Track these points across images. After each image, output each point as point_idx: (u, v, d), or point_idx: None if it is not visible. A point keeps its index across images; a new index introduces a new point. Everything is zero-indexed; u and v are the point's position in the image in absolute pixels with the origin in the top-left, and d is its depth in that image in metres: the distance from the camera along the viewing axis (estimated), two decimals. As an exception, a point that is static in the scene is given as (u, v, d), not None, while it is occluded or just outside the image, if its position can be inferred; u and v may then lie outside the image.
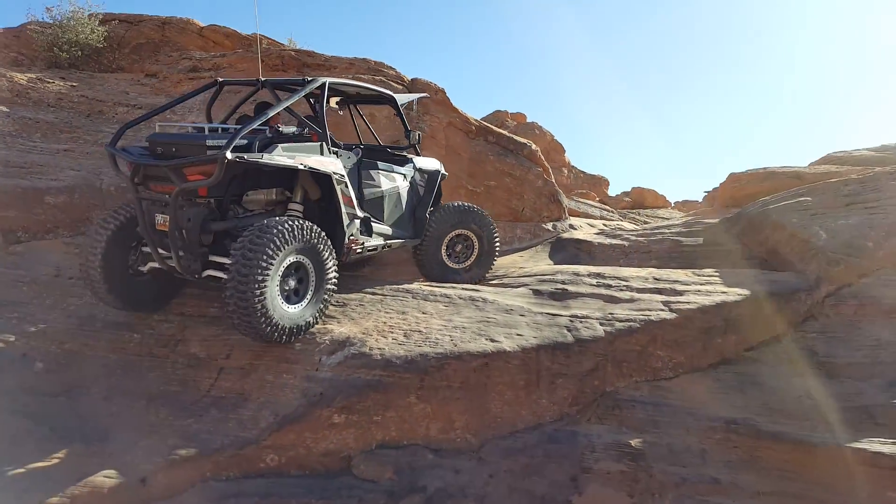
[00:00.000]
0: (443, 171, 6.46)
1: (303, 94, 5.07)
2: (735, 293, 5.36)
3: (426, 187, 6.20)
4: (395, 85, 8.16)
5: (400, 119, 6.21)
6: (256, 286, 4.16)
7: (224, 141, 4.34)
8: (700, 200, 25.03)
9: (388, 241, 5.74)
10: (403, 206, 5.96)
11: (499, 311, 5.29)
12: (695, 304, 5.25)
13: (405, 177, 6.02)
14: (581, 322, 5.09)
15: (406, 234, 5.97)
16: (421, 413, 4.52)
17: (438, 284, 5.94)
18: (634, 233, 8.04)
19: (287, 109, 4.95)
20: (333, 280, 4.81)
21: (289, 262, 4.43)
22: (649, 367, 5.03)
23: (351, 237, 5.21)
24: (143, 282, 5.03)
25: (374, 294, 5.60)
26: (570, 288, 5.71)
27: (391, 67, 8.44)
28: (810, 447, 3.99)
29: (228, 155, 4.20)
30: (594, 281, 5.82)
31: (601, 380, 4.92)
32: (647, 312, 5.20)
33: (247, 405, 4.38)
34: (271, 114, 4.84)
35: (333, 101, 6.15)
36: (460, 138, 8.07)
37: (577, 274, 6.05)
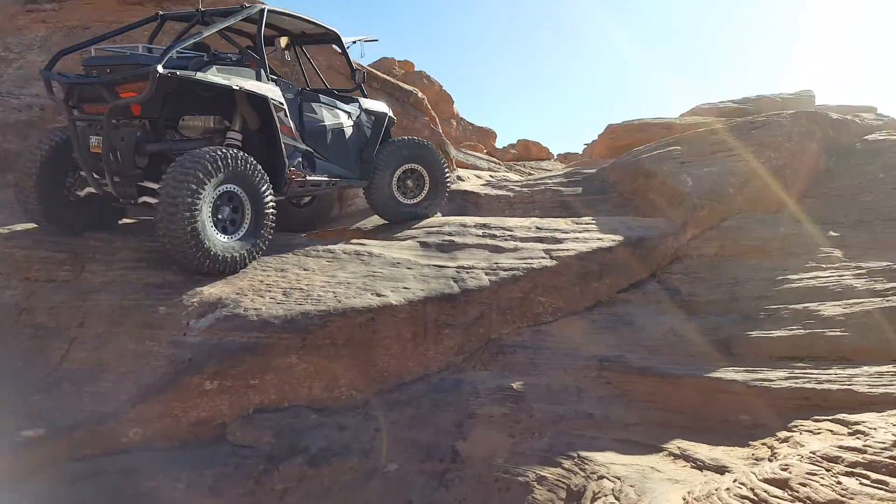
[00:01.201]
0: (391, 114, 6.35)
1: (238, 18, 4.98)
2: (609, 239, 5.59)
3: (373, 129, 6.10)
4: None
5: (345, 58, 6.11)
6: (186, 210, 4.17)
7: (159, 56, 4.31)
8: (580, 153, 25.98)
9: (332, 179, 5.66)
10: (348, 145, 5.85)
11: (385, 265, 5.20)
12: (573, 251, 5.42)
13: (350, 115, 5.91)
14: (467, 273, 5.11)
15: (352, 174, 5.89)
16: (303, 373, 4.37)
17: (320, 242, 5.74)
18: (519, 184, 8.18)
19: (224, 36, 5.06)
20: (271, 213, 4.82)
21: (221, 191, 4.45)
22: (531, 313, 5.17)
23: (292, 169, 5.14)
24: (79, 206, 4.97)
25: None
26: (457, 239, 5.71)
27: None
28: (674, 379, 4.26)
29: (160, 69, 4.14)
30: (480, 232, 5.86)
31: (486, 328, 5.00)
32: (530, 261, 5.30)
33: (105, 377, 4.03)
34: (206, 34, 4.76)
35: (283, 41, 5.89)
36: (342, 82, 7.74)
37: (463, 225, 6.06)
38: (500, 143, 22.26)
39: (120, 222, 5.47)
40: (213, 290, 4.58)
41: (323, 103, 5.65)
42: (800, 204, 6.18)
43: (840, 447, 2.55)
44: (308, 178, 5.36)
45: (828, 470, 2.44)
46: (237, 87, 4.66)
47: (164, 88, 4.38)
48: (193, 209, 4.21)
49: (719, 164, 6.22)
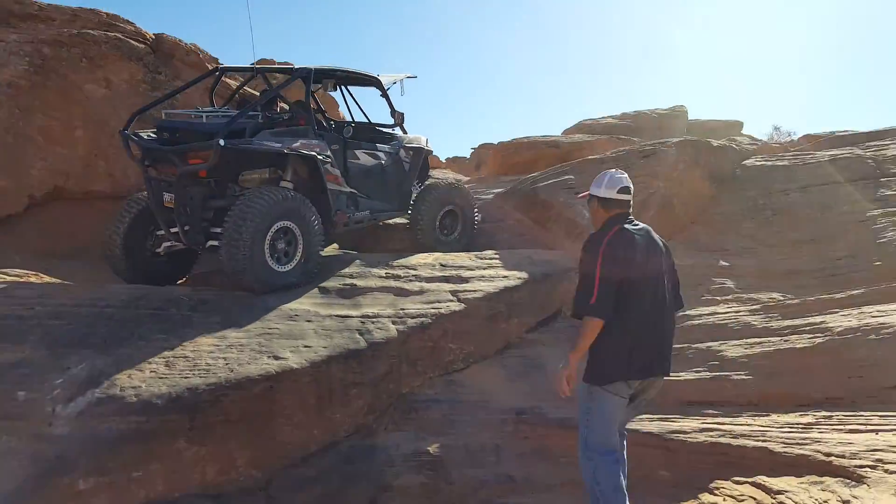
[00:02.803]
0: (428, 147, 6.95)
1: (290, 83, 5.72)
2: (515, 277, 5.48)
3: (411, 163, 6.71)
4: (135, 43, 6.89)
5: (385, 99, 6.62)
6: (245, 248, 4.81)
7: (220, 123, 5.00)
8: (468, 157, 26.17)
9: (375, 214, 6.31)
10: (388, 182, 6.45)
11: (282, 319, 4.73)
12: (480, 291, 5.26)
13: (390, 154, 6.51)
14: (373, 323, 4.78)
15: (391, 206, 6.52)
16: (194, 457, 3.85)
17: (209, 292, 5.17)
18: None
19: (279, 96, 5.84)
20: (321, 244, 5.43)
21: (277, 227, 5.03)
22: (442, 362, 4.96)
23: (338, 211, 5.77)
24: (159, 262, 5.68)
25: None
26: (359, 282, 5.35)
27: (129, 22, 7.07)
28: (592, 432, 4.17)
29: (221, 143, 4.77)
30: (383, 272, 5.53)
31: (396, 382, 4.71)
32: (438, 305, 5.07)
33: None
34: (261, 103, 5.63)
35: (330, 83, 6.46)
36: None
37: (365, 265, 5.69)
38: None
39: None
40: (82, 365, 3.95)
41: (364, 149, 6.30)
42: (690, 231, 6.42)
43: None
44: (353, 216, 5.98)
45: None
46: (287, 151, 5.26)
47: (227, 156, 4.94)
48: (252, 246, 4.84)
49: (613, 195, 6.29)
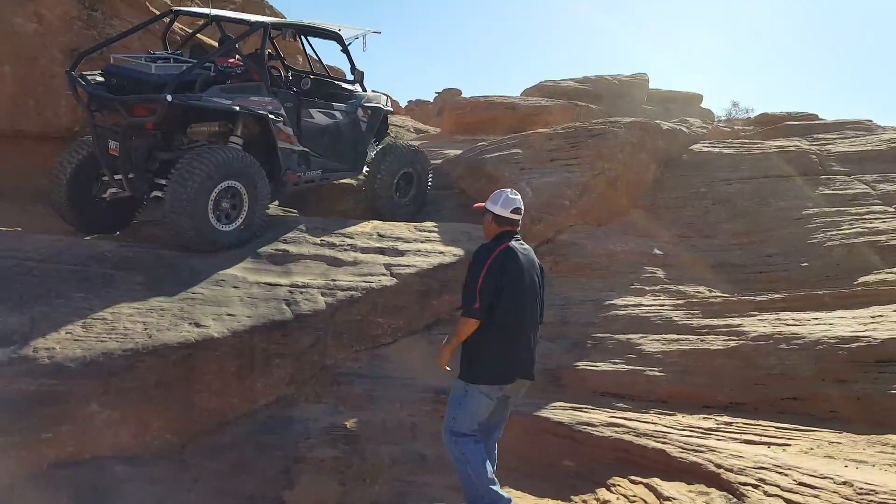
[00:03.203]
0: (387, 107, 6.87)
1: (245, 38, 5.75)
2: (451, 253, 5.50)
3: (368, 122, 6.55)
4: None
5: (346, 55, 6.59)
6: (188, 204, 4.80)
7: (170, 75, 4.94)
8: (430, 101, 25.62)
9: (327, 174, 6.25)
10: (343, 141, 6.35)
11: (207, 284, 4.67)
12: (414, 267, 5.27)
13: (346, 113, 6.37)
14: (301, 293, 4.76)
15: (345, 167, 6.44)
16: (106, 420, 3.86)
17: (134, 249, 5.04)
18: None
19: (235, 48, 5.68)
20: (265, 208, 5.42)
21: (223, 186, 5.01)
22: (369, 335, 4.99)
23: (288, 170, 5.73)
24: (104, 208, 5.60)
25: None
26: (292, 249, 5.28)
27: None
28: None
29: (168, 98, 4.74)
30: (318, 239, 5.46)
31: (321, 354, 4.74)
32: (370, 278, 5.07)
33: None
34: (215, 56, 5.62)
35: (287, 32, 6.24)
36: (161, 48, 6.77)
37: (301, 230, 5.60)
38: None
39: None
40: (-1, 321, 3.85)
41: (319, 107, 6.15)
42: (630, 215, 6.49)
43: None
44: (303, 175, 5.90)
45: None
46: (238, 109, 5.21)
47: (174, 110, 4.93)
48: (195, 203, 4.81)
49: (556, 173, 6.31)
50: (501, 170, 6.41)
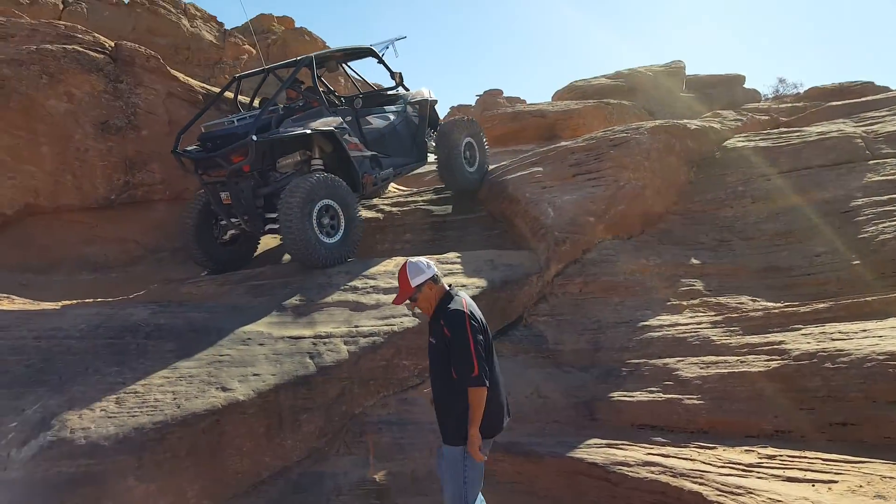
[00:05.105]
0: (432, 97, 7.60)
1: (297, 71, 6.48)
2: (474, 285, 5.39)
3: (419, 115, 7.38)
4: (94, 54, 6.80)
5: (383, 65, 7.37)
6: (297, 229, 5.55)
7: (249, 123, 5.75)
8: (473, 105, 25.60)
9: (398, 170, 6.98)
10: (402, 138, 7.12)
11: (234, 343, 4.76)
12: (437, 305, 5.17)
13: (398, 113, 7.17)
14: (325, 344, 4.78)
15: (411, 159, 7.20)
16: (144, 493, 3.96)
17: (167, 315, 5.19)
18: (389, 202, 7.78)
19: (294, 87, 6.66)
20: (360, 214, 6.15)
21: (320, 206, 5.74)
22: (396, 379, 4.96)
23: (365, 174, 6.47)
24: (227, 248, 6.59)
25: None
26: (317, 297, 5.32)
27: (88, 31, 6.96)
28: (538, 458, 4.20)
29: (253, 138, 5.59)
30: (341, 284, 5.47)
31: (349, 404, 4.74)
32: (392, 321, 5.04)
33: None
34: (276, 95, 6.42)
35: (330, 64, 7.33)
36: (185, 110, 7.02)
37: (326, 274, 5.64)
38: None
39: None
40: (37, 406, 4.03)
41: (374, 114, 6.91)
42: (664, 223, 6.20)
43: None
44: (378, 175, 6.61)
45: None
46: (309, 131, 5.96)
47: (261, 148, 5.77)
48: (302, 224, 5.55)
49: (580, 189, 6.09)
50: (522, 191, 6.25)
